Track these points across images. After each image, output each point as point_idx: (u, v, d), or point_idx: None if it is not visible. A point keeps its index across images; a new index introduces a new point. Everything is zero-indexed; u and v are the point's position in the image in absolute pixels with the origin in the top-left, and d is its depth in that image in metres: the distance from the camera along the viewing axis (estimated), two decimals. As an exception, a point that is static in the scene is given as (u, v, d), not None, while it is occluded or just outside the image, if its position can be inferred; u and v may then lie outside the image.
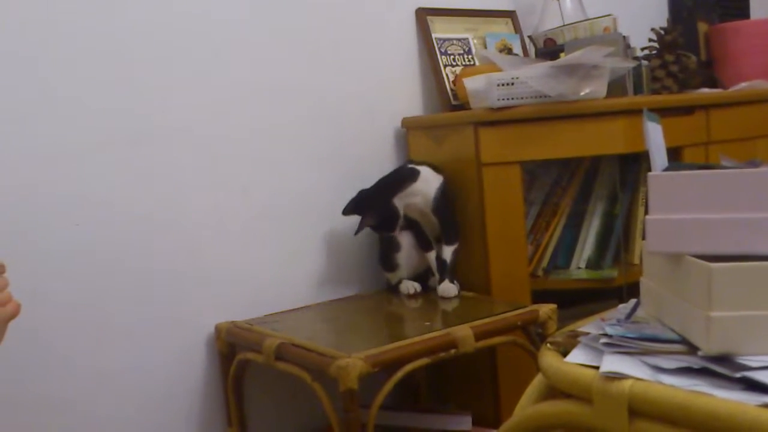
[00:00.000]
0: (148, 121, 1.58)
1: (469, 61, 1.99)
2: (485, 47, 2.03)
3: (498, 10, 2.10)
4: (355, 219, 1.71)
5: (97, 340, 1.53)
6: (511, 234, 1.71)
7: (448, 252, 1.75)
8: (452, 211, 1.77)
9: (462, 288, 1.77)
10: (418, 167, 1.76)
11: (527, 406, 0.98)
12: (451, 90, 1.93)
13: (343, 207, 1.73)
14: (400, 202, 1.73)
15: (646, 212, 0.92)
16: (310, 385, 1.38)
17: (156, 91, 1.59)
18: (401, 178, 1.75)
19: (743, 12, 2.35)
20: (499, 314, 1.53)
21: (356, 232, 1.72)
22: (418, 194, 1.73)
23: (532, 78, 1.63)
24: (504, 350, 1.67)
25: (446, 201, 1.75)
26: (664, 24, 2.02)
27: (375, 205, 1.73)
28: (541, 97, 1.64)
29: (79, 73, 1.50)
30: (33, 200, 1.46)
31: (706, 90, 1.99)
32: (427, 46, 1.95)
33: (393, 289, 1.83)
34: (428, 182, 1.74)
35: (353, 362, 1.29)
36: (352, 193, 1.76)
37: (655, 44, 1.96)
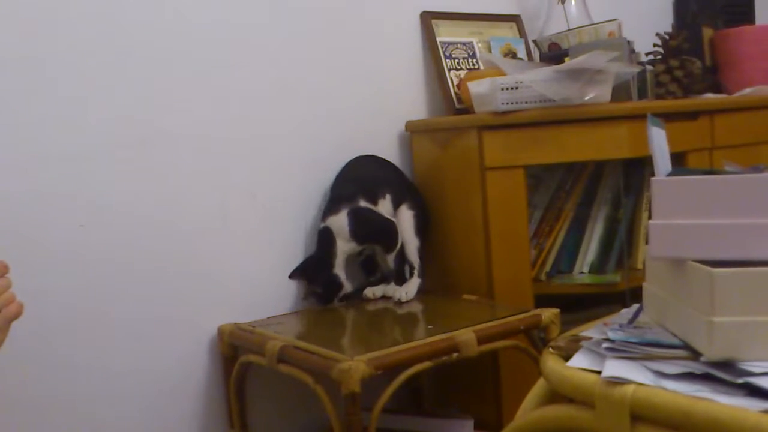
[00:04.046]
0: (152, 123, 1.58)
1: (473, 64, 1.99)
2: (490, 51, 2.03)
3: (503, 15, 2.10)
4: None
5: (100, 341, 1.54)
6: (514, 238, 1.70)
7: (390, 258, 1.76)
8: (370, 226, 1.71)
9: (465, 291, 1.77)
10: (326, 222, 1.70)
11: (529, 410, 0.98)
12: (456, 94, 1.93)
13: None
14: (340, 267, 1.70)
15: (650, 217, 0.92)
16: (312, 387, 1.38)
17: (160, 94, 1.59)
18: (325, 245, 1.70)
19: (748, 17, 2.35)
20: (502, 318, 1.53)
21: (303, 297, 1.76)
22: (344, 247, 1.69)
23: (537, 82, 1.63)
24: (506, 354, 1.67)
25: (358, 226, 1.69)
26: (669, 29, 2.02)
27: (319, 274, 1.71)
28: (545, 101, 1.64)
29: (83, 75, 1.50)
30: (37, 201, 1.46)
31: (710, 95, 1.99)
32: (432, 50, 1.95)
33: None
34: (338, 231, 1.69)
35: (355, 365, 1.29)
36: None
37: (660, 49, 1.96)
